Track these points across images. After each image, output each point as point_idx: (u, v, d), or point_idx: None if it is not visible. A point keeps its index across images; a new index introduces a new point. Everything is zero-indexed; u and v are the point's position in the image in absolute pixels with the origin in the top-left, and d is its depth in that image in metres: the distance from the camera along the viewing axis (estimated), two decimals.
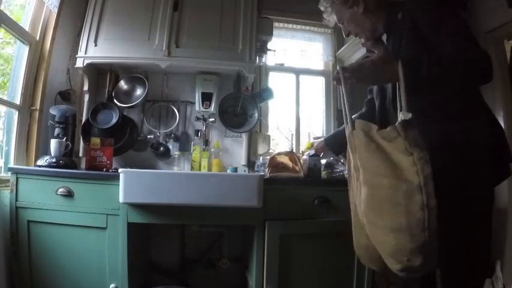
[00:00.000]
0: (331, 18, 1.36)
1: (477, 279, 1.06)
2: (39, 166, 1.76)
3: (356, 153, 1.00)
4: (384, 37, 1.24)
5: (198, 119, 2.30)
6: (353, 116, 1.06)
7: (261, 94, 2.33)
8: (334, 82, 1.05)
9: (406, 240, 0.81)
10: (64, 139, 1.87)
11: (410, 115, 0.88)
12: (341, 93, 1.05)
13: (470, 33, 1.02)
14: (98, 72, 2.27)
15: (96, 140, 1.84)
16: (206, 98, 2.25)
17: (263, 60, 2.42)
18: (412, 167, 0.82)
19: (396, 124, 0.87)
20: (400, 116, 0.91)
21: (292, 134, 2.49)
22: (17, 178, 1.63)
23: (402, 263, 0.84)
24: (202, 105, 2.25)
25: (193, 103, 2.31)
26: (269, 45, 2.41)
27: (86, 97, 2.20)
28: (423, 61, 0.96)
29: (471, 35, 1.01)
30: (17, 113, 1.92)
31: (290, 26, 2.62)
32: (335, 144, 1.76)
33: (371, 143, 0.91)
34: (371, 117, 1.28)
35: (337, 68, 1.05)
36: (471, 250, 1.02)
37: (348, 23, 1.27)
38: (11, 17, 1.83)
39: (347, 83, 1.02)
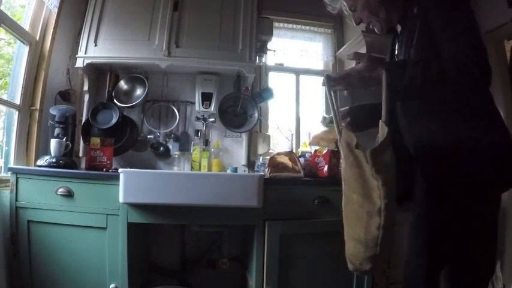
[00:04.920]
0: (337, 5, 1.28)
1: (483, 279, 1.06)
2: (39, 166, 1.76)
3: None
4: (398, 29, 1.19)
5: (198, 119, 2.30)
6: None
7: (261, 94, 2.33)
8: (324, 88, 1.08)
9: (361, 250, 0.95)
10: (64, 139, 1.87)
11: (383, 131, 0.94)
12: (328, 99, 1.08)
13: (476, 34, 0.98)
14: (98, 72, 2.27)
15: (96, 140, 1.84)
16: (206, 98, 2.26)
17: (263, 60, 2.42)
18: (377, 190, 0.91)
19: (367, 151, 0.92)
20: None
21: (292, 134, 2.49)
22: (17, 178, 1.63)
23: (355, 266, 0.98)
24: (202, 105, 2.25)
25: (193, 103, 2.31)
26: (269, 45, 2.41)
27: (86, 97, 2.20)
28: (406, 69, 0.95)
29: (476, 37, 0.97)
30: (17, 113, 1.92)
31: (290, 26, 2.62)
32: (357, 119, 1.35)
33: (350, 154, 0.96)
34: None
35: (323, 76, 1.08)
36: (477, 251, 1.02)
37: (361, 10, 1.17)
38: (12, 17, 1.83)
39: (335, 89, 1.08)
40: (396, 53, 1.19)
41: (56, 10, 2.04)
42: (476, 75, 0.92)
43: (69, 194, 1.62)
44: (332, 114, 1.07)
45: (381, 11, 1.15)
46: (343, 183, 1.02)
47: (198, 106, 2.27)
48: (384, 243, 0.91)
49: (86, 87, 2.18)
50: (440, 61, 0.94)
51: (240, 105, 2.26)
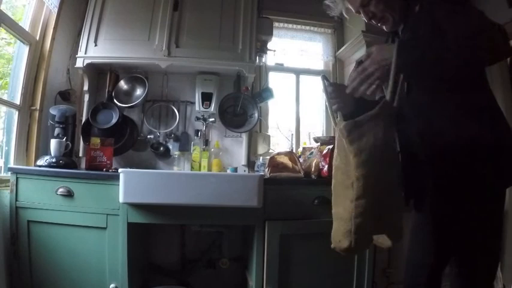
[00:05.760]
0: (337, 8, 1.25)
1: (488, 275, 1.05)
2: (39, 166, 1.76)
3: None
4: (400, 27, 1.17)
5: (198, 119, 2.30)
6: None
7: (261, 94, 2.33)
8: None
9: (340, 225, 0.95)
10: (64, 139, 1.87)
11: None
12: (326, 97, 1.12)
13: (487, 22, 0.96)
14: (98, 72, 2.27)
15: (96, 140, 1.84)
16: (206, 98, 2.26)
17: (263, 60, 2.42)
18: (352, 165, 0.92)
19: (341, 125, 0.94)
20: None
21: (292, 134, 2.49)
22: (17, 178, 1.63)
23: (335, 243, 0.98)
24: (202, 105, 2.25)
25: (193, 103, 2.31)
26: (269, 45, 2.41)
27: (86, 97, 2.20)
28: (418, 45, 0.95)
29: (485, 24, 0.95)
30: (17, 113, 1.92)
31: (290, 26, 2.62)
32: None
33: (340, 140, 0.98)
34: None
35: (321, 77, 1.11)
36: (483, 247, 1.02)
37: (376, 3, 1.12)
38: (13, 17, 1.83)
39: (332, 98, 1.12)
40: None
41: (56, 10, 2.04)
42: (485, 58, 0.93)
43: (69, 194, 1.62)
44: (329, 109, 1.10)
45: (396, 4, 1.12)
46: (333, 168, 1.02)
47: (198, 106, 2.27)
48: (359, 216, 0.90)
49: (86, 87, 2.18)
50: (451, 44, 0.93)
51: (240, 105, 2.26)
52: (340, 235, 0.95)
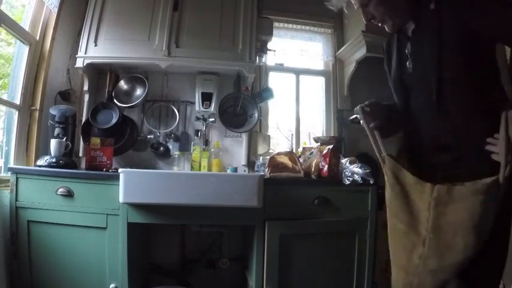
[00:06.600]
0: (339, 2, 1.21)
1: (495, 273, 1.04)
2: (39, 166, 1.76)
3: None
4: (410, 27, 1.14)
5: (198, 119, 2.30)
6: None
7: (261, 94, 2.33)
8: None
9: (402, 276, 0.99)
10: (64, 139, 1.87)
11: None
12: (368, 133, 1.10)
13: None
14: (98, 72, 2.27)
15: (96, 140, 1.84)
16: (206, 98, 2.26)
17: (263, 60, 2.42)
18: (426, 223, 0.93)
19: (436, 187, 0.94)
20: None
21: (292, 134, 2.49)
22: (17, 178, 1.63)
23: None
24: (202, 105, 2.25)
25: (193, 103, 2.31)
26: (269, 45, 2.41)
27: (86, 97, 2.20)
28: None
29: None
30: (17, 113, 1.92)
31: (290, 26, 2.62)
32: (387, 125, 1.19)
33: (396, 185, 0.99)
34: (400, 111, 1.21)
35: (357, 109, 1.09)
36: (494, 249, 1.00)
37: (376, 6, 1.08)
38: (13, 17, 1.83)
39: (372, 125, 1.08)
40: (408, 51, 1.14)
41: (56, 10, 2.04)
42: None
43: (69, 194, 1.62)
44: (373, 143, 1.09)
45: (399, 9, 1.09)
46: (388, 210, 1.04)
47: (198, 106, 2.27)
48: (423, 274, 0.93)
49: (86, 87, 2.18)
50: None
51: (240, 105, 2.26)
52: (401, 284, 0.99)
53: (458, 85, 1.03)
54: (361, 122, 1.11)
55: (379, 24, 1.15)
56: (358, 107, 1.10)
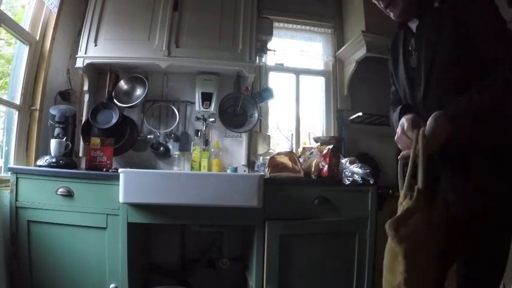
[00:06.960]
0: None
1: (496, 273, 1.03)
2: (39, 166, 1.76)
3: None
4: (414, 24, 1.14)
5: (198, 119, 2.30)
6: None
7: (261, 94, 2.33)
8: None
9: None
10: (64, 139, 1.87)
11: None
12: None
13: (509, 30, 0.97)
14: (98, 72, 2.27)
15: (96, 140, 1.84)
16: (206, 98, 2.26)
17: (263, 60, 2.42)
18: (401, 264, 0.90)
19: (386, 223, 0.92)
20: None
21: (292, 134, 2.49)
22: (17, 178, 1.63)
23: None
24: (202, 105, 2.25)
25: (193, 103, 2.31)
26: (269, 45, 2.41)
27: (86, 97, 2.20)
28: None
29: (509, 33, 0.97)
30: (17, 113, 1.92)
31: (290, 26, 2.62)
32: None
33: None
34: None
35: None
36: (496, 249, 1.01)
37: None
38: (13, 17, 1.83)
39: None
40: (412, 47, 1.15)
41: (56, 10, 2.04)
42: None
43: (69, 194, 1.62)
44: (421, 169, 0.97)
45: None
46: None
47: (198, 106, 2.27)
48: None
49: (86, 87, 2.18)
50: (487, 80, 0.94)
51: (240, 105, 2.26)
52: None
53: (445, 86, 1.04)
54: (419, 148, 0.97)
55: (387, 10, 1.14)
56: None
